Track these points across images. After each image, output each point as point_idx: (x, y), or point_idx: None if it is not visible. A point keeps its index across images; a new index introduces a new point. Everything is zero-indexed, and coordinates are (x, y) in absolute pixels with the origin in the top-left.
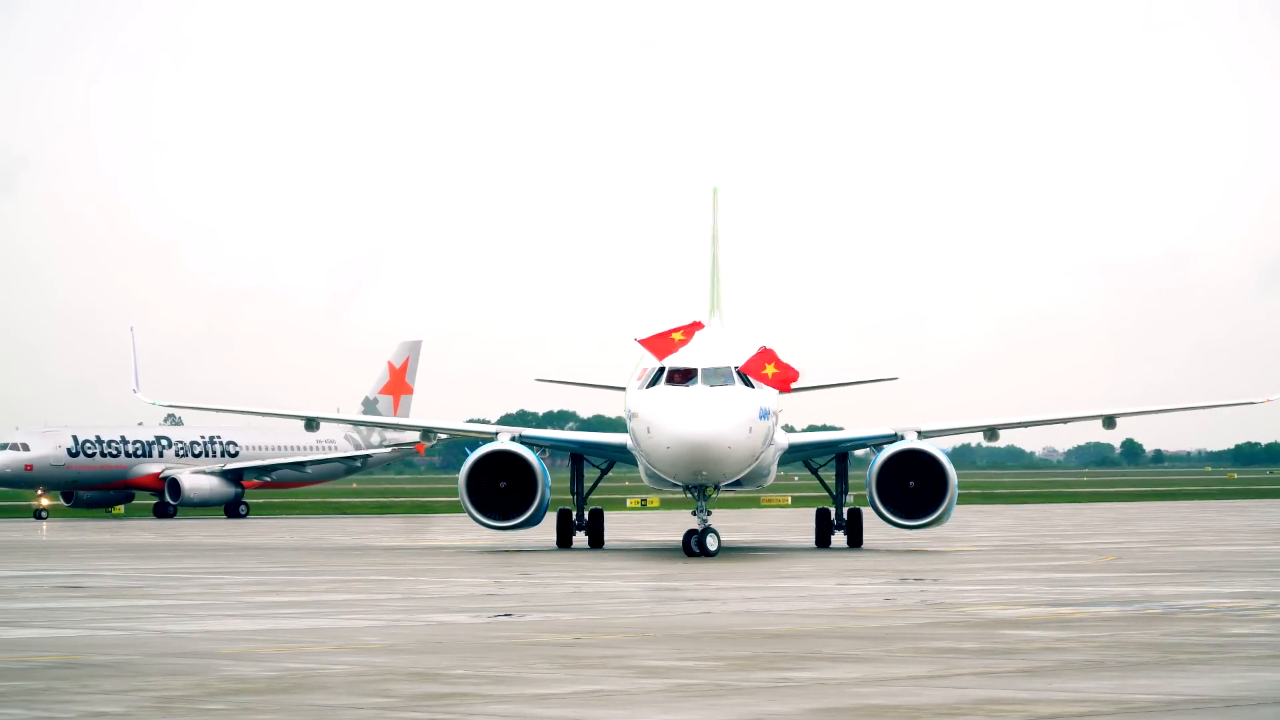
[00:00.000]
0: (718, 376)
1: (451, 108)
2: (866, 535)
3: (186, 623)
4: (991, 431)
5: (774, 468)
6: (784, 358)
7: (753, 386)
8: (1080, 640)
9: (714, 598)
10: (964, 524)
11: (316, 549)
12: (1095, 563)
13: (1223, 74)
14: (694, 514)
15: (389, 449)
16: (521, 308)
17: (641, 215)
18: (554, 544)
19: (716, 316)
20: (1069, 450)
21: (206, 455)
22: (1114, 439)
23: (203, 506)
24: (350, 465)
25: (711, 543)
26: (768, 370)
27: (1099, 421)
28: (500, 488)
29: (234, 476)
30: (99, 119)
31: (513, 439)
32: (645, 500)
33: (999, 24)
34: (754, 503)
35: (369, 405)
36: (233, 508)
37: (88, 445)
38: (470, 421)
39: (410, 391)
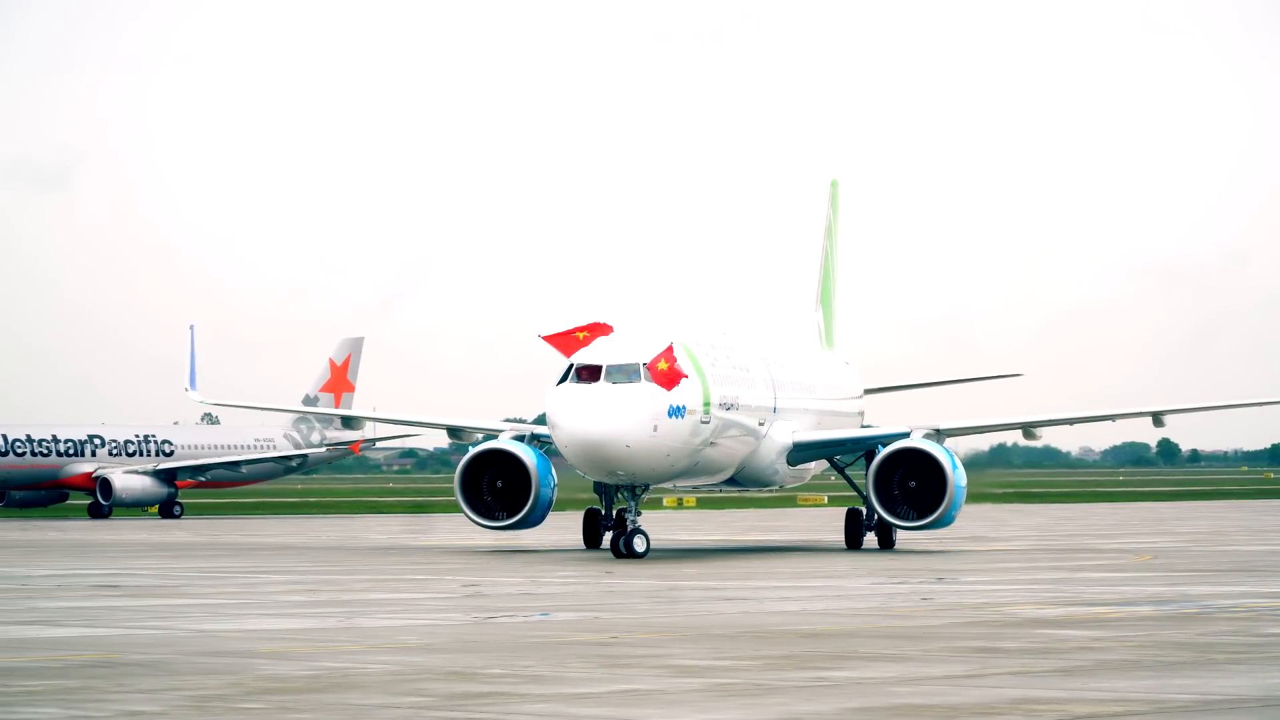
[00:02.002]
0: (623, 373)
1: (535, 96)
2: (898, 535)
3: (223, 622)
4: (1028, 430)
5: (781, 466)
6: (858, 354)
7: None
8: (1117, 640)
9: (750, 597)
10: (1000, 523)
11: (352, 549)
12: (1131, 562)
13: (1276, 71)
14: (624, 514)
15: (325, 449)
16: (558, 306)
17: (737, 210)
18: (581, 544)
19: (820, 312)
20: (1105, 450)
21: (140, 454)
22: (1151, 438)
23: (135, 506)
24: (287, 465)
25: (639, 544)
26: (660, 366)
27: (1136, 420)
28: (498, 487)
29: (168, 476)
30: (110, 131)
31: (517, 437)
32: (681, 500)
33: (1076, 33)
34: (790, 502)
35: (308, 402)
36: (167, 508)
37: (18, 444)
38: (507, 421)
39: (351, 389)
